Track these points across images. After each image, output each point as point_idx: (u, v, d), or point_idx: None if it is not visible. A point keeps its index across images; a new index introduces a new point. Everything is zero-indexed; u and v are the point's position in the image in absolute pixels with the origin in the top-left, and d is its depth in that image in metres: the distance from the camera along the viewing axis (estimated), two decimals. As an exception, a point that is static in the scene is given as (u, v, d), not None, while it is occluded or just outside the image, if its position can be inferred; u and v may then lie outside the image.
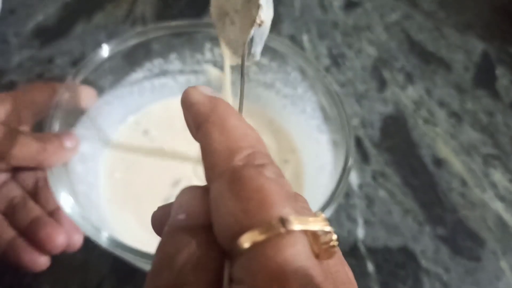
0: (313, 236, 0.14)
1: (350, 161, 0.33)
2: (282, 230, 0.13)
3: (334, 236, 0.14)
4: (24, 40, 0.54)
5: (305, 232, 0.14)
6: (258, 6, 0.23)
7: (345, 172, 0.32)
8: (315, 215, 0.15)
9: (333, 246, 0.14)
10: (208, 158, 0.16)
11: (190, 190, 0.16)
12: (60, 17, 0.58)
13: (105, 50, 0.39)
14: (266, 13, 0.23)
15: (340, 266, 0.15)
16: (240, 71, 0.24)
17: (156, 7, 0.60)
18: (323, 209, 0.29)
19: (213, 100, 0.18)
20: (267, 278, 0.12)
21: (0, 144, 0.30)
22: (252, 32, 0.23)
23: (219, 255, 0.14)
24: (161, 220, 0.17)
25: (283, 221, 0.13)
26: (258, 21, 0.23)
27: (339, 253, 0.16)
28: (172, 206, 0.16)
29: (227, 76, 0.31)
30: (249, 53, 0.25)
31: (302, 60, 0.41)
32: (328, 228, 0.14)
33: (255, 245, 0.13)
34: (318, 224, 0.14)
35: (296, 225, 0.13)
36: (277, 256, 0.13)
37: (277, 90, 0.44)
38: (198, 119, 0.17)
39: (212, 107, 0.17)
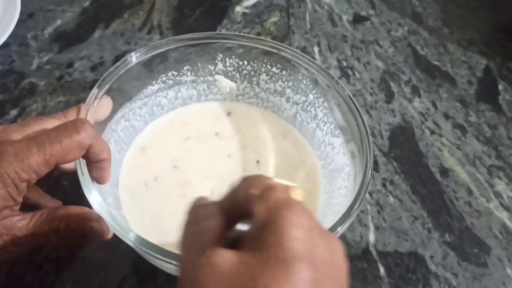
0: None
1: (371, 164, 0.34)
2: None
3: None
4: (43, 44, 0.55)
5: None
6: None
7: (367, 174, 0.33)
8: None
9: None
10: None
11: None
12: (78, 23, 0.59)
13: (126, 62, 0.39)
14: None
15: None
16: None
17: (172, 16, 0.62)
18: (347, 213, 0.31)
19: None
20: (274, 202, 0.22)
21: None
22: None
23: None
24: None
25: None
26: None
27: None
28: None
29: None
30: None
31: (313, 67, 0.42)
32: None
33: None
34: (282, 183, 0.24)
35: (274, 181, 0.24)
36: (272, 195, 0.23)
37: (287, 97, 0.46)
38: None
39: None
